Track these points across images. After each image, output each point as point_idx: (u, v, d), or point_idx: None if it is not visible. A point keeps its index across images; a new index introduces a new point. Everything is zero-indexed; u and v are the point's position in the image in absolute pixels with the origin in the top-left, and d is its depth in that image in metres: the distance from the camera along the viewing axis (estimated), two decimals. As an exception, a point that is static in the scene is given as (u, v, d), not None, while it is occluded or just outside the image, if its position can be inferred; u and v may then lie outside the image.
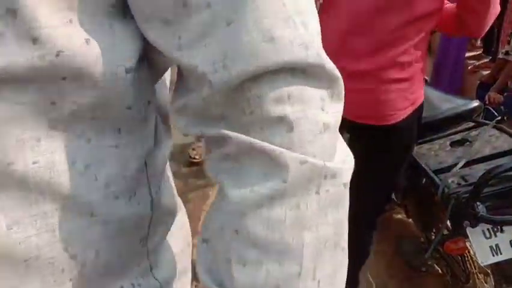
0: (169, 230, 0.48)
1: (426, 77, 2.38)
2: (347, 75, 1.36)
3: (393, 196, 2.13)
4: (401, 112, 1.22)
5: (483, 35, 1.26)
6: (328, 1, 1.25)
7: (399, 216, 2.31)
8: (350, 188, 0.36)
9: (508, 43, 2.92)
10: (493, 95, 2.66)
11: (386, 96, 1.21)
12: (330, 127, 0.33)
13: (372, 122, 1.24)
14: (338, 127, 0.35)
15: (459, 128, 1.72)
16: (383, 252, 2.02)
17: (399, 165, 1.33)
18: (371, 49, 1.22)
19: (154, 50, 0.34)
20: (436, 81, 3.56)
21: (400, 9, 1.21)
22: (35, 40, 0.29)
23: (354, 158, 0.37)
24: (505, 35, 3.05)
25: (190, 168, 3.01)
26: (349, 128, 1.31)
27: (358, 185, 1.39)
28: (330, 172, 0.33)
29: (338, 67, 0.37)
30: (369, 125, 1.25)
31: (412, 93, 1.23)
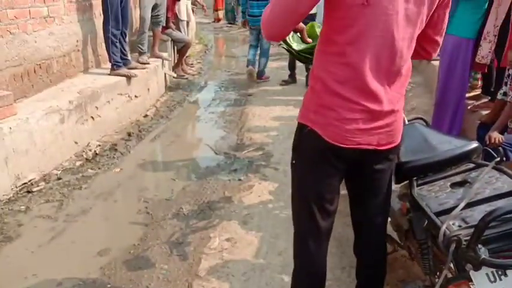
0: None
1: (425, 118, 2.41)
2: (370, 114, 1.41)
3: (396, 237, 2.12)
4: None
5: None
6: (352, 39, 1.34)
7: (402, 258, 2.28)
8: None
9: (506, 84, 2.97)
10: (494, 135, 2.67)
11: (400, 121, 1.51)
12: None
13: (392, 146, 1.49)
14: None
15: (459, 169, 1.72)
16: (387, 296, 1.97)
17: None
18: (391, 91, 1.42)
19: None
20: (437, 123, 3.59)
21: (411, 46, 1.42)
22: None
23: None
24: (507, 77, 3.07)
25: (192, 208, 3.01)
26: (366, 155, 1.47)
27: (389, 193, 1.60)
28: None
29: (356, 107, 1.32)
30: (387, 149, 1.48)
31: None
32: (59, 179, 3.38)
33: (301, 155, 1.55)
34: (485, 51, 3.40)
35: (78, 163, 3.67)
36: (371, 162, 1.52)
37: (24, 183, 3.19)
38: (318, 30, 1.81)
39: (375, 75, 1.38)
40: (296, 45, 1.85)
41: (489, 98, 3.71)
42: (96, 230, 2.80)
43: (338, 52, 1.37)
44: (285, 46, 1.85)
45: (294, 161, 1.58)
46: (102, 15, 4.70)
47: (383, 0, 1.30)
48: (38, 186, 3.23)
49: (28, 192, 3.15)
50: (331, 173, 1.51)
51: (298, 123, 1.53)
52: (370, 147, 1.45)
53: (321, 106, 1.43)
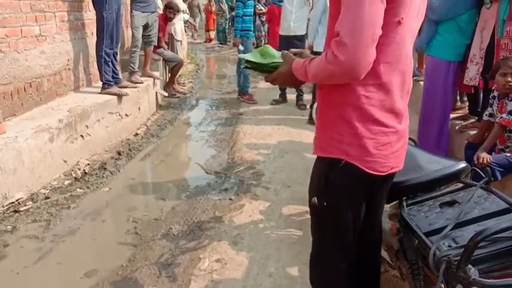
0: None
1: (413, 138, 2.44)
2: (398, 135, 1.40)
3: (387, 257, 2.11)
4: None
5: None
6: (388, 58, 1.31)
7: (394, 278, 2.27)
8: None
9: (491, 105, 3.02)
10: (482, 155, 2.70)
11: None
12: None
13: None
14: None
15: (447, 189, 1.73)
16: (379, 318, 1.95)
17: None
18: (406, 107, 1.45)
19: None
20: (423, 143, 3.63)
21: None
22: None
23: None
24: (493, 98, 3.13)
25: (181, 228, 2.97)
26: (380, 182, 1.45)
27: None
28: None
29: (390, 130, 1.37)
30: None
31: None
32: (47, 198, 3.33)
33: (335, 193, 1.40)
34: (473, 73, 3.47)
35: (67, 182, 3.62)
36: (387, 185, 1.51)
37: (12, 203, 3.13)
38: (273, 52, 1.62)
39: (400, 93, 1.37)
40: (264, 59, 1.64)
41: (476, 118, 3.77)
42: (83, 251, 2.75)
43: (372, 73, 1.27)
44: (249, 65, 1.65)
45: (324, 203, 1.41)
46: (95, 34, 4.73)
47: (411, 17, 1.32)
48: (25, 205, 3.18)
49: (15, 211, 3.10)
50: (363, 204, 1.45)
51: (327, 158, 1.39)
52: (397, 170, 1.43)
53: (356, 136, 1.33)
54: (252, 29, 6.88)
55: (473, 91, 3.82)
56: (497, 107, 2.90)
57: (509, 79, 2.77)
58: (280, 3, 6.57)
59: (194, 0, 15.12)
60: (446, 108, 3.70)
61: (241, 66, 2.05)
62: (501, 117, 2.77)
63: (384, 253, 2.13)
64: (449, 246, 1.36)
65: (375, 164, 1.34)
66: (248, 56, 1.62)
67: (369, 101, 1.31)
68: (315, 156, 1.48)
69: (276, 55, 1.57)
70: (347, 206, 1.43)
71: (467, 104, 4.19)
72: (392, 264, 2.04)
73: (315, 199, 1.43)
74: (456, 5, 3.40)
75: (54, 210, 3.18)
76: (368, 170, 1.34)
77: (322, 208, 1.42)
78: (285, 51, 1.53)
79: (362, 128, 1.32)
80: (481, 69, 3.39)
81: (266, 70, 1.57)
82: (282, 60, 1.50)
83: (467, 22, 3.49)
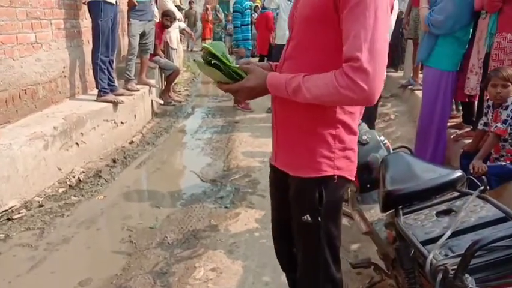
0: None
1: (410, 147, 2.45)
2: None
3: (383, 266, 2.10)
4: None
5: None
6: None
7: (389, 287, 2.26)
8: None
9: (485, 115, 3.04)
10: (477, 164, 2.72)
11: None
12: None
13: None
14: None
15: (444, 198, 1.73)
16: (375, 327, 1.94)
17: None
18: None
19: None
20: (420, 152, 3.64)
21: None
22: None
23: None
24: (486, 107, 3.16)
25: (177, 236, 2.96)
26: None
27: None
28: None
29: (356, 136, 1.42)
30: None
31: None
32: (41, 206, 3.30)
33: (330, 207, 1.39)
34: (473, 83, 3.50)
35: (61, 190, 3.60)
36: None
37: (5, 211, 3.10)
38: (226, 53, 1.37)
39: None
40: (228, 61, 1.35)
41: (471, 127, 3.79)
42: (77, 259, 2.72)
43: None
44: (209, 60, 1.32)
45: (319, 219, 1.38)
46: (91, 41, 4.73)
47: None
48: (19, 213, 3.15)
49: (8, 219, 3.06)
50: None
51: (320, 178, 1.35)
52: None
53: (345, 149, 1.36)
54: (250, 37, 6.95)
55: (467, 100, 3.85)
56: (492, 116, 2.92)
57: (499, 90, 2.81)
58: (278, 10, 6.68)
59: (191, 9, 15.18)
60: (444, 117, 3.72)
61: (193, 60, 1.56)
62: (495, 126, 2.79)
63: (380, 262, 2.13)
64: (446, 255, 1.36)
65: (353, 171, 1.43)
66: (215, 48, 1.32)
67: (350, 114, 1.35)
68: None
69: (229, 58, 1.34)
70: (339, 217, 1.46)
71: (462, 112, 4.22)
72: (388, 273, 2.04)
73: (307, 217, 1.38)
74: (460, 20, 3.44)
75: (48, 218, 3.15)
76: (352, 178, 1.42)
77: (316, 224, 1.39)
78: (247, 63, 1.41)
79: (348, 140, 1.36)
80: (480, 79, 3.41)
81: (227, 75, 1.32)
82: (244, 74, 1.34)
83: (464, 33, 3.54)
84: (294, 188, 1.42)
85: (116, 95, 4.89)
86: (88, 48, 4.90)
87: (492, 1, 3.14)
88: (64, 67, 4.58)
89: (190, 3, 15.08)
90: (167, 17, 6.60)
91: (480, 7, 3.34)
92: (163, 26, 6.67)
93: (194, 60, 1.37)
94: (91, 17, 4.62)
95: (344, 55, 1.17)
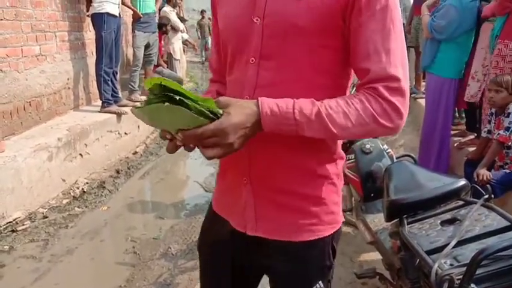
0: None
1: (413, 155, 2.45)
2: None
3: (389, 276, 2.09)
4: None
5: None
6: None
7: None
8: None
9: (489, 122, 3.04)
10: (481, 172, 2.70)
11: None
12: None
13: None
14: None
15: (448, 207, 1.73)
16: (381, 338, 1.92)
17: None
18: None
19: None
20: (424, 160, 3.63)
21: None
22: None
23: None
24: (485, 114, 3.17)
25: (180, 247, 2.95)
26: None
27: None
28: None
29: None
30: None
31: None
32: (45, 217, 3.31)
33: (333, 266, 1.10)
34: (474, 89, 3.50)
35: (65, 201, 3.60)
36: None
37: (9, 222, 3.11)
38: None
39: None
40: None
41: (475, 134, 3.79)
42: (81, 271, 2.72)
43: None
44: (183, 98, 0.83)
45: (329, 280, 1.09)
46: (95, 53, 4.77)
47: None
48: (23, 225, 3.15)
49: (12, 231, 3.07)
50: None
51: (328, 237, 1.04)
52: None
53: (339, 192, 1.09)
54: None
55: (468, 107, 3.85)
56: (495, 123, 2.92)
57: (492, 95, 2.83)
58: None
59: (203, 19, 14.90)
60: (446, 125, 3.72)
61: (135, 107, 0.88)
62: (498, 133, 2.78)
63: (385, 272, 2.11)
64: (451, 264, 1.35)
65: None
66: (166, 79, 0.85)
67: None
68: None
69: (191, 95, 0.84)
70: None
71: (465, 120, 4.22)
72: (394, 283, 2.02)
73: (320, 284, 1.06)
74: (462, 25, 3.45)
75: (52, 230, 3.16)
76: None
77: (329, 285, 1.10)
78: (223, 98, 0.90)
79: (340, 182, 1.09)
80: (483, 86, 3.41)
81: (198, 114, 0.83)
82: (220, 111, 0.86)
83: (467, 39, 3.55)
84: (290, 258, 1.03)
85: (120, 106, 4.91)
86: (91, 59, 4.94)
87: (504, 2, 3.09)
88: (68, 79, 4.61)
89: (201, 12, 15.01)
90: (164, 25, 6.74)
91: (491, 14, 3.33)
92: (161, 34, 6.76)
93: (136, 108, 0.92)
94: (94, 29, 4.67)
95: (374, 73, 0.90)
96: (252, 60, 0.97)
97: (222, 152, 0.86)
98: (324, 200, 1.02)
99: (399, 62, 0.90)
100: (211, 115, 0.85)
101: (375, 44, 0.90)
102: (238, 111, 0.86)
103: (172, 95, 0.82)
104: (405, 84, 0.91)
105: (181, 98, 0.82)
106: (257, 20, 0.96)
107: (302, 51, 0.94)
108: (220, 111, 0.86)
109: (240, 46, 1.00)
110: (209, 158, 0.87)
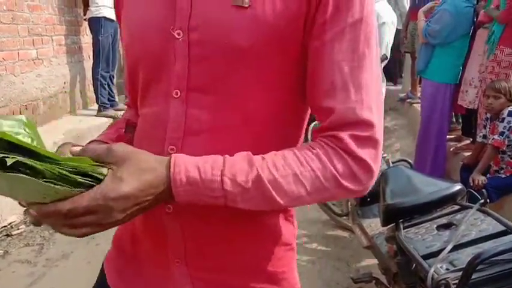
0: None
1: (409, 160, 2.46)
2: None
3: (385, 281, 2.09)
4: None
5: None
6: None
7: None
8: None
9: (484, 127, 3.05)
10: (477, 177, 2.72)
11: None
12: None
13: None
14: None
15: (444, 211, 1.73)
16: None
17: None
18: None
19: None
20: (419, 165, 3.65)
21: None
22: None
23: None
24: (480, 119, 3.18)
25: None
26: None
27: None
28: None
29: None
30: None
31: None
32: (41, 221, 3.29)
33: None
34: (472, 96, 3.51)
35: (61, 205, 3.58)
36: None
37: (4, 226, 3.09)
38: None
39: None
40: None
41: (471, 139, 3.80)
42: (77, 275, 2.70)
43: None
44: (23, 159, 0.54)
45: None
46: (92, 57, 4.77)
47: None
48: (18, 229, 3.14)
49: (7, 235, 3.05)
50: None
51: None
52: None
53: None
54: None
55: (465, 112, 3.87)
56: (490, 128, 2.94)
57: (490, 101, 2.84)
58: None
59: None
60: (442, 130, 3.74)
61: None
62: (493, 138, 2.80)
63: (381, 276, 2.11)
64: (447, 269, 1.36)
65: None
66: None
67: None
68: None
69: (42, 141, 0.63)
70: None
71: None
72: (390, 288, 2.02)
73: None
74: (456, 29, 3.47)
75: (47, 234, 3.14)
76: None
77: None
78: (119, 146, 0.60)
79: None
80: (480, 92, 3.42)
81: (57, 180, 0.56)
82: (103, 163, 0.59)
83: (461, 44, 3.58)
84: None
85: (116, 110, 4.91)
86: (88, 63, 4.94)
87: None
88: (65, 83, 4.61)
89: None
90: None
91: (488, 20, 3.32)
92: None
93: None
94: (91, 33, 4.68)
95: (338, 116, 0.64)
96: (176, 94, 0.66)
97: (98, 230, 0.61)
98: (285, 273, 0.77)
99: (373, 101, 0.65)
100: (84, 179, 0.56)
101: (342, 74, 0.63)
102: (135, 176, 0.57)
103: (3, 155, 0.51)
104: (379, 131, 0.65)
105: (18, 158, 0.52)
106: (179, 34, 0.65)
107: (250, 82, 0.65)
108: (104, 172, 0.57)
109: (155, 72, 0.68)
110: (78, 237, 0.61)
